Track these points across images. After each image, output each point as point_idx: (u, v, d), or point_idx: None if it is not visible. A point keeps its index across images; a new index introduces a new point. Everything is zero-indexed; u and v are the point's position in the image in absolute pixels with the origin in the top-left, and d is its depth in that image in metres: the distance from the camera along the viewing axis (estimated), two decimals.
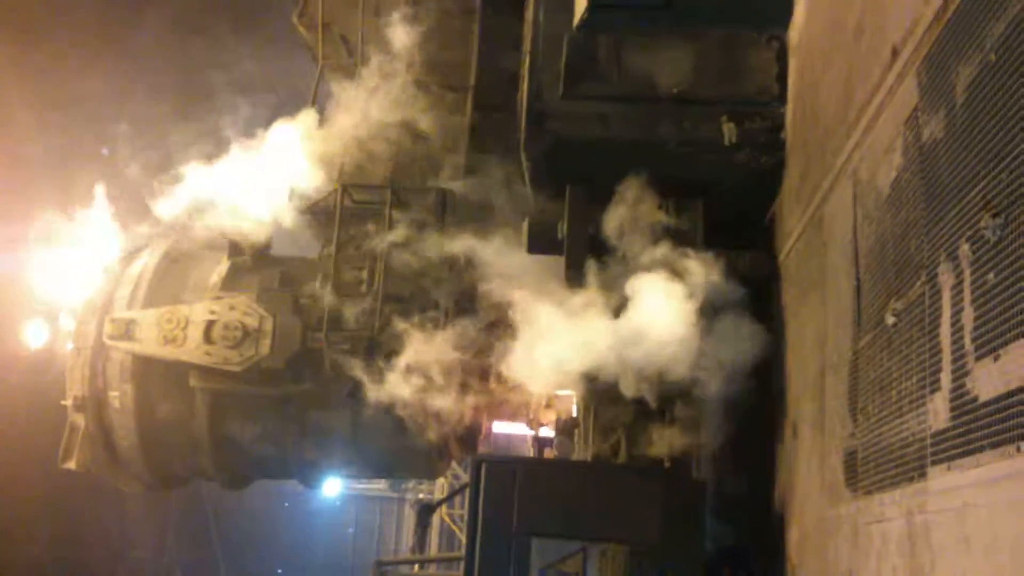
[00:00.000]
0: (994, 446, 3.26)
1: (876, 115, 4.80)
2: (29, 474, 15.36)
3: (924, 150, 4.13)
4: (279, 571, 27.05)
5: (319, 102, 9.55)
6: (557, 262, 7.80)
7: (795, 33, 6.97)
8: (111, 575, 19.38)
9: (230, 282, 9.37)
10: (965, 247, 3.61)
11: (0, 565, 15.72)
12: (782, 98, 7.08)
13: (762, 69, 7.14)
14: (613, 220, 7.30)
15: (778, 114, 7.07)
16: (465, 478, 16.51)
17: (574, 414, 8.47)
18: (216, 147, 9.65)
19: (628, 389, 6.84)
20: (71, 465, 9.78)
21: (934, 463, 3.78)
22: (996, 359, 3.29)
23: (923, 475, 3.88)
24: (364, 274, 9.08)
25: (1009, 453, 3.15)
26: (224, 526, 23.83)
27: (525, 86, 7.53)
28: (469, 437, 10.84)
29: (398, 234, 8.89)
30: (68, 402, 9.68)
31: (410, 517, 25.60)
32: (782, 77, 7.08)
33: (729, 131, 6.97)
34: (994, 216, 3.37)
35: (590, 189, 7.50)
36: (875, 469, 4.55)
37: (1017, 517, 3.08)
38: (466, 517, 7.07)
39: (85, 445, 9.70)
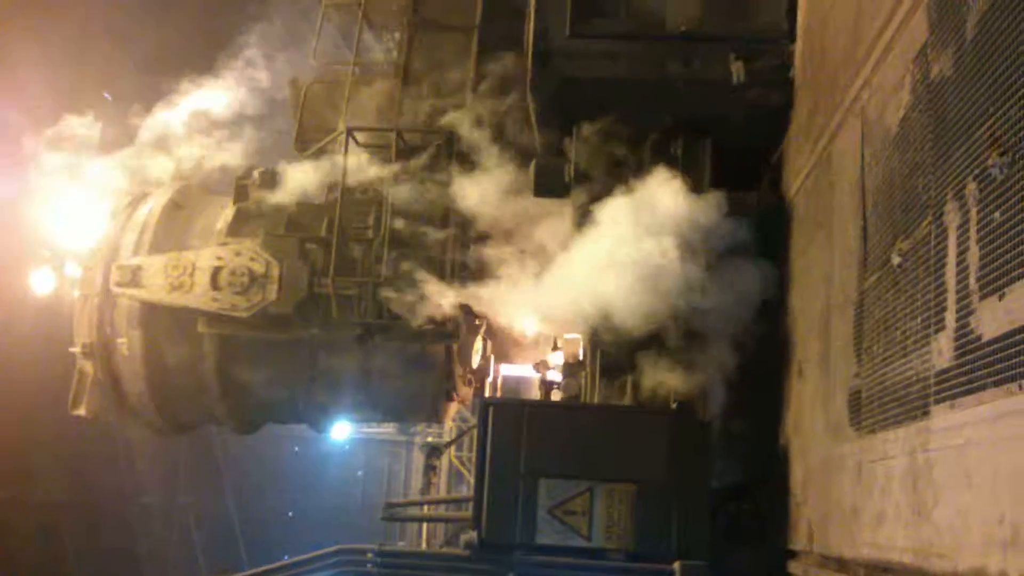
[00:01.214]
0: (997, 384, 3.27)
1: (885, 52, 4.75)
2: (40, 419, 15.50)
3: (932, 87, 4.09)
4: (290, 514, 27.38)
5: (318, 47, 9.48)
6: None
7: None
8: (122, 519, 19.62)
9: (236, 227, 9.34)
10: (972, 186, 3.59)
11: (12, 508, 15.93)
12: (791, 35, 6.99)
13: (771, 5, 7.05)
14: (622, 160, 7.28)
15: (787, 51, 6.99)
16: (472, 420, 16.64)
17: (581, 357, 8.49)
18: (219, 89, 9.62)
19: (634, 323, 6.87)
20: (81, 412, 9.87)
21: (937, 402, 3.80)
22: (1001, 298, 3.29)
23: (926, 413, 3.90)
24: (370, 219, 9.04)
25: (1012, 391, 3.17)
26: (234, 471, 24.07)
27: (531, 24, 7.45)
28: (477, 380, 10.91)
29: (404, 177, 8.85)
30: (76, 349, 9.73)
31: (419, 460, 25.86)
32: (791, 13, 6.99)
33: (737, 69, 6.89)
34: (1002, 154, 3.35)
35: (597, 129, 7.46)
36: (879, 408, 4.58)
37: (1018, 453, 3.11)
38: (474, 459, 7.14)
39: (95, 391, 9.78)
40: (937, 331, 3.85)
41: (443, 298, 8.59)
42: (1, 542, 15.66)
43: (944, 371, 3.75)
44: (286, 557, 7.48)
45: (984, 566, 3.30)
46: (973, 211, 3.57)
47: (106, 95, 14.33)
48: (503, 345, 11.01)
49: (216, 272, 9.02)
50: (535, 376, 11.68)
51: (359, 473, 28.94)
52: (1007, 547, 3.13)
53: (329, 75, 9.64)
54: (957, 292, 3.68)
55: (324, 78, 9.71)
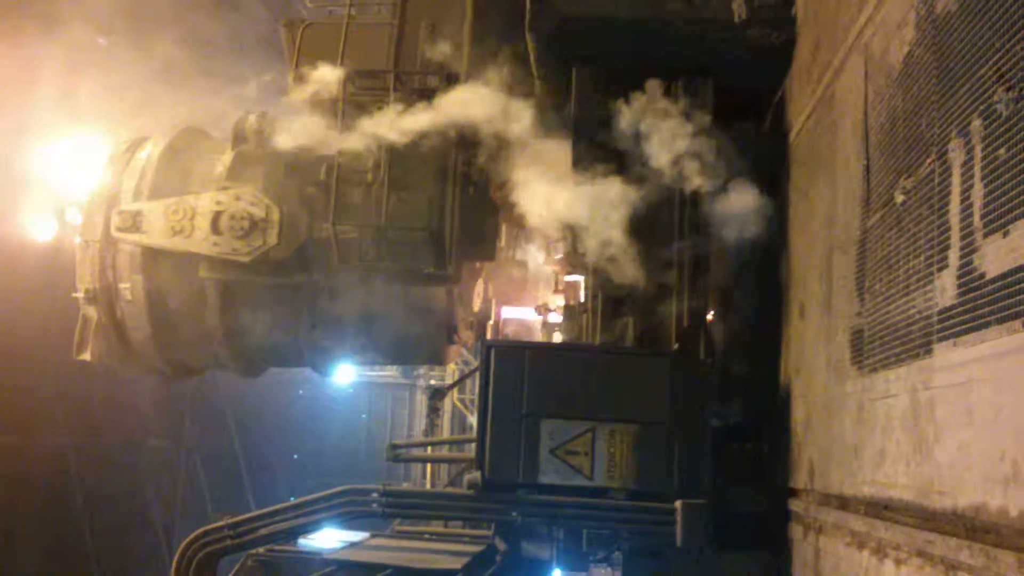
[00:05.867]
0: (1000, 322, 3.27)
1: None
2: (46, 364, 15.57)
3: (937, 23, 4.03)
4: (295, 456, 27.64)
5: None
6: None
7: None
8: (130, 462, 19.80)
9: (235, 172, 9.26)
10: (977, 122, 3.56)
11: (21, 453, 16.05)
12: None
13: None
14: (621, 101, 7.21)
15: None
16: (475, 363, 16.72)
17: (582, 299, 8.49)
18: (217, 35, 9.50)
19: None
20: (86, 357, 9.88)
21: (940, 340, 3.80)
22: (1005, 235, 3.27)
23: (929, 352, 3.91)
24: (369, 163, 8.97)
25: (1015, 328, 3.17)
26: (240, 414, 24.23)
27: None
28: (479, 322, 10.93)
29: (402, 119, 8.75)
30: (79, 295, 9.72)
31: (422, 402, 26.05)
32: None
33: (738, 7, 6.80)
34: (1008, 90, 3.31)
35: (597, 70, 7.37)
36: (881, 347, 4.59)
37: (1020, 391, 3.12)
38: (476, 401, 7.17)
39: (98, 337, 9.78)
40: (940, 269, 3.84)
41: (442, 239, 8.56)
42: (9, 488, 15.81)
43: (947, 309, 3.75)
44: (292, 498, 7.54)
45: (984, 503, 3.33)
46: (978, 148, 3.54)
47: (99, 39, 14.14)
48: (505, 286, 11.00)
49: (216, 217, 8.97)
50: (537, 319, 11.71)
51: (363, 416, 29.19)
52: (1008, 483, 3.16)
53: (324, 17, 9.50)
54: (961, 230, 3.66)
55: (319, 20, 9.57)
